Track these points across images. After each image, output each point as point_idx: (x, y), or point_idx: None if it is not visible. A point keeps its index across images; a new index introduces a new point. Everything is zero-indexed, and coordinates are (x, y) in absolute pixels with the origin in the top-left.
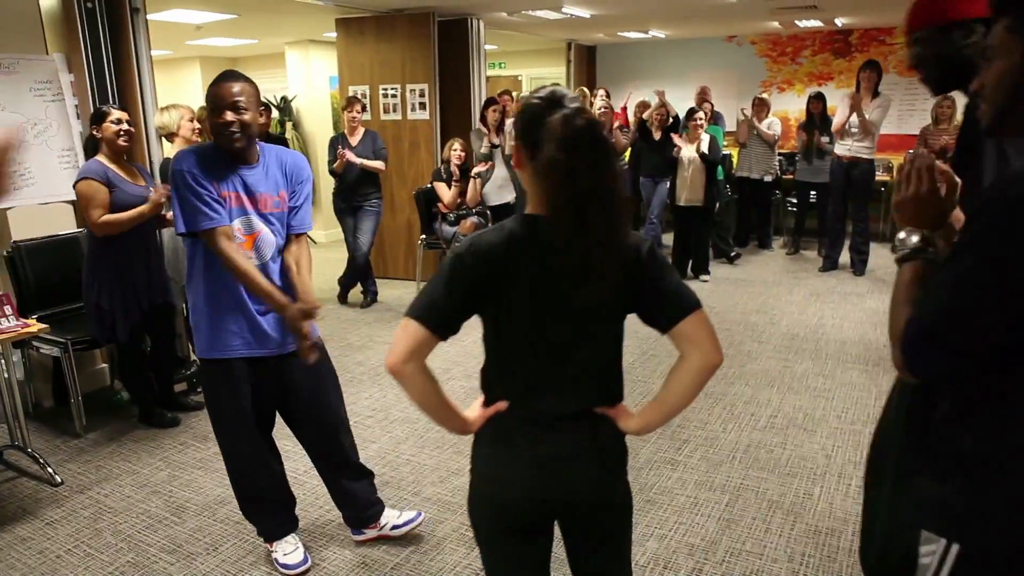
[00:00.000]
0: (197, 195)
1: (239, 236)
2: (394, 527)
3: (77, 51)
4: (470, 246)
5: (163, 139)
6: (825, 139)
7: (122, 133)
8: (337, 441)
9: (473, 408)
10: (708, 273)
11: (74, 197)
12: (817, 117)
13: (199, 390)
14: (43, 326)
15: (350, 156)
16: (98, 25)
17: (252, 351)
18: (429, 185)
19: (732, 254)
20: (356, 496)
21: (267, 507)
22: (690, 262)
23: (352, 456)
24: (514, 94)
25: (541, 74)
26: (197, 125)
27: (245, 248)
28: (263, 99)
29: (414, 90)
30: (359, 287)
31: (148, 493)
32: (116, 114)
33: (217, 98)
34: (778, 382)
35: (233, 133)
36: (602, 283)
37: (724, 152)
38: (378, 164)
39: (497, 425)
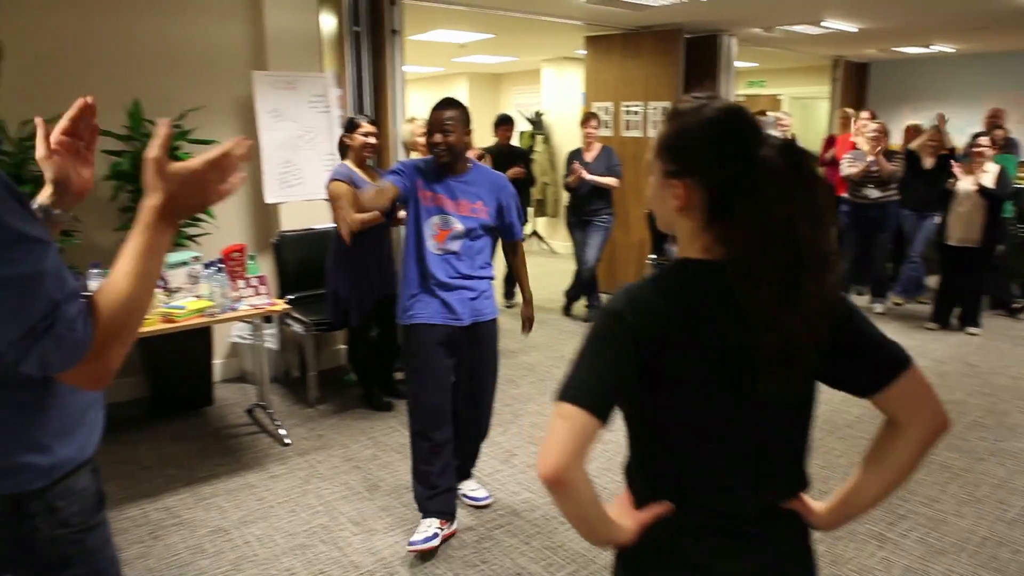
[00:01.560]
0: (389, 173)
1: (435, 229)
2: (466, 496)
3: (344, 69)
4: (629, 302)
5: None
6: None
7: (368, 145)
8: (483, 406)
9: (623, 512)
10: (978, 325)
11: None
12: None
13: None
14: (287, 306)
15: (582, 172)
16: (362, 46)
17: (443, 320)
18: None
19: (1015, 305)
20: (464, 454)
21: (432, 478)
22: (956, 311)
23: (485, 423)
24: (771, 114)
25: (803, 93)
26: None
27: (437, 239)
28: (507, 113)
29: (656, 108)
30: (584, 300)
31: (352, 467)
32: (365, 127)
33: (431, 122)
34: None
35: (441, 151)
36: (804, 367)
37: (1017, 186)
38: (610, 180)
39: (656, 535)
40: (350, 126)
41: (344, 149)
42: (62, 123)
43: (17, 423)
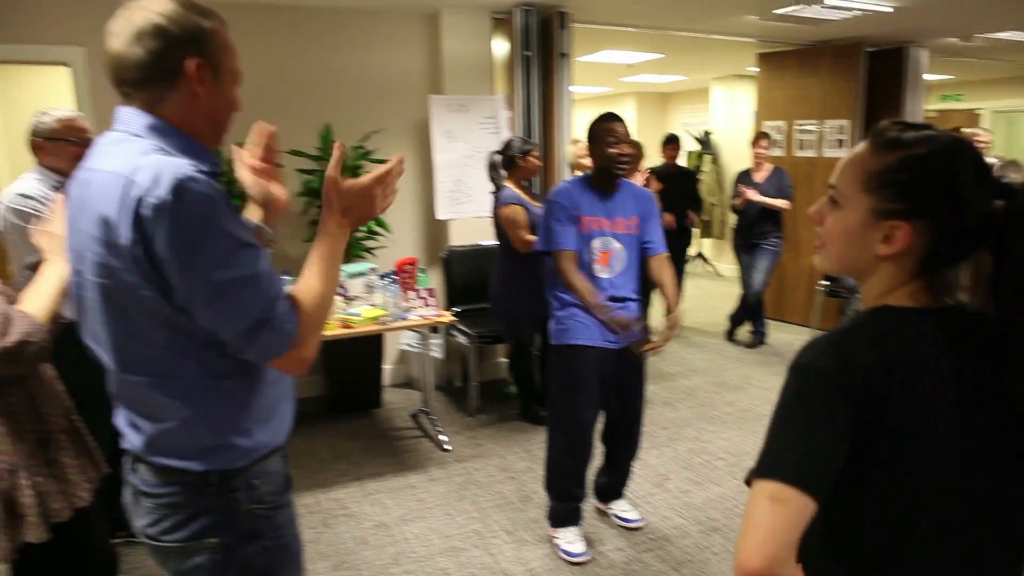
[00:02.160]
0: (558, 222)
1: (596, 253)
2: (617, 516)
3: (514, 92)
4: (836, 355)
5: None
6: None
7: (536, 169)
8: (635, 428)
9: None
10: None
11: None
12: None
13: None
14: (452, 318)
15: (750, 194)
16: (532, 70)
17: (603, 343)
18: None
19: None
20: (616, 474)
21: (574, 489)
22: None
23: (636, 443)
24: (966, 131)
25: (1008, 106)
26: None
27: (600, 263)
28: (674, 133)
29: (833, 126)
30: (748, 325)
31: (506, 477)
32: (535, 152)
33: (615, 134)
34: None
35: (626, 162)
36: None
37: None
38: (781, 203)
39: None
40: (523, 150)
41: (510, 167)
42: (253, 148)
43: (228, 409)
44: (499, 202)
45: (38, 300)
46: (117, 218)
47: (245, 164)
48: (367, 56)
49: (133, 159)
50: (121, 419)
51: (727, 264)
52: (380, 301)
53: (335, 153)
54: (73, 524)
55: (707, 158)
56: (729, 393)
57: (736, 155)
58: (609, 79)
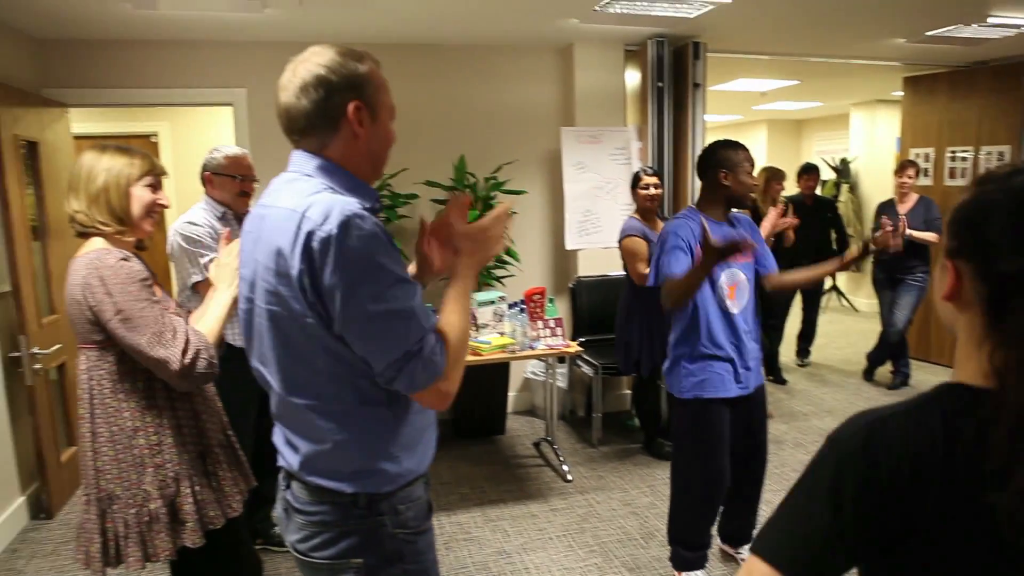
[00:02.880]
0: (671, 254)
1: (725, 288)
2: (744, 559)
3: (646, 122)
4: (866, 437)
5: None
6: None
7: (649, 198)
8: (761, 470)
9: None
10: None
11: None
12: None
13: None
14: (579, 349)
15: (898, 235)
16: (665, 100)
17: (736, 392)
18: None
19: None
20: (744, 516)
21: (703, 538)
22: None
23: (761, 484)
24: None
25: None
26: None
27: (729, 297)
28: (812, 162)
29: (991, 153)
30: (889, 365)
31: (629, 512)
32: (645, 180)
33: (751, 163)
34: None
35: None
36: None
37: None
38: (929, 236)
39: None
40: (634, 180)
41: (634, 198)
42: (444, 217)
43: (378, 435)
44: (621, 233)
45: (208, 323)
46: (289, 250)
47: (424, 234)
48: (500, 89)
49: (306, 197)
50: (279, 438)
51: (864, 299)
52: (509, 330)
53: (460, 201)
54: (225, 531)
55: (844, 187)
56: None
57: (876, 184)
58: (740, 107)
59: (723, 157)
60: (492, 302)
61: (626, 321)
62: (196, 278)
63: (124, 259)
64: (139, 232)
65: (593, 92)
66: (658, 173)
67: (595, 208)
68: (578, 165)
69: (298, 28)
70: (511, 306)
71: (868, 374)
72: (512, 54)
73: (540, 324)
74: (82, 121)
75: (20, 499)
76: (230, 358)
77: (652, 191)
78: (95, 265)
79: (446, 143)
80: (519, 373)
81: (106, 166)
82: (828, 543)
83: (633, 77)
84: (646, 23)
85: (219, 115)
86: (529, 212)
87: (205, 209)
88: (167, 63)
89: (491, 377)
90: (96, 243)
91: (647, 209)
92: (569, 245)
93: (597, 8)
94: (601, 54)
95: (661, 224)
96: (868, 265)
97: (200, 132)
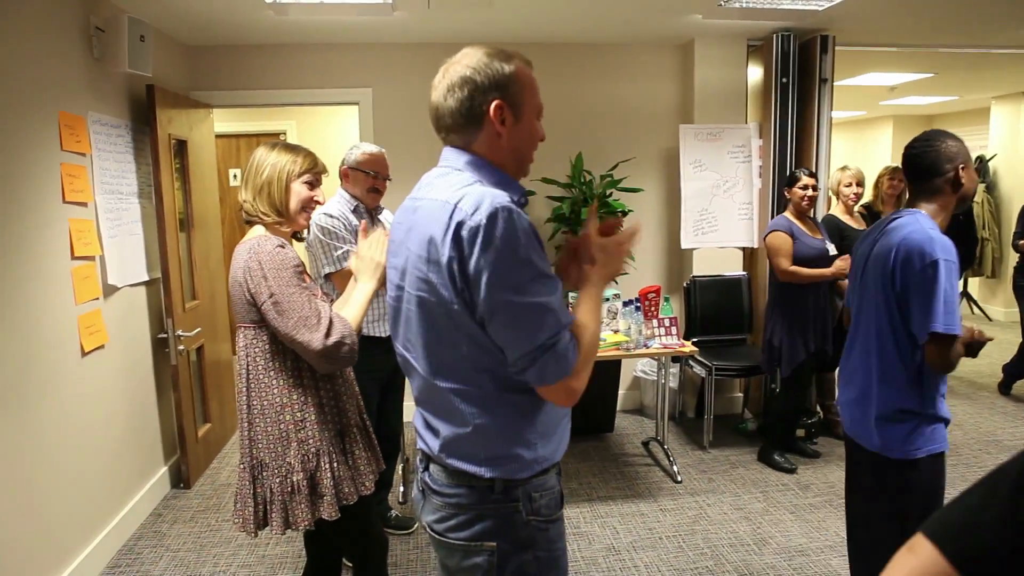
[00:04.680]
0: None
1: None
2: None
3: (768, 119)
4: None
5: (831, 197)
6: None
7: (806, 198)
8: None
9: None
10: None
11: (746, 244)
12: None
13: (816, 441)
14: (694, 348)
15: None
16: (789, 96)
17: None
18: None
19: None
20: None
21: None
22: None
23: None
24: None
25: None
26: (856, 189)
27: None
28: None
29: None
30: None
31: (741, 517)
32: (805, 180)
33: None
34: None
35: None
36: None
37: None
38: None
39: None
40: (790, 180)
41: (784, 202)
42: (585, 232)
43: (514, 421)
44: (767, 229)
45: (352, 310)
46: (441, 238)
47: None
48: (619, 86)
49: (458, 189)
50: (419, 421)
51: (1000, 307)
52: (623, 327)
53: (591, 211)
54: (357, 508)
55: (981, 187)
56: (1002, 454)
57: (1018, 183)
58: (865, 102)
59: (957, 148)
60: (607, 299)
61: (771, 318)
62: (328, 269)
63: (280, 246)
64: (295, 224)
65: (713, 89)
66: (814, 174)
67: (711, 207)
68: (696, 163)
69: (423, 29)
70: (626, 304)
71: (1006, 387)
72: (631, 51)
73: (655, 323)
74: (220, 121)
75: (163, 469)
76: (364, 347)
77: (811, 192)
78: (255, 250)
79: (563, 140)
80: (629, 371)
81: (272, 161)
82: (996, 535)
83: (755, 73)
84: (772, 17)
85: (344, 113)
86: (645, 210)
87: (340, 202)
88: (299, 65)
89: (602, 374)
90: (258, 230)
91: (802, 210)
92: (685, 244)
93: (721, 3)
94: (722, 50)
95: (814, 224)
96: (1008, 270)
97: (326, 129)
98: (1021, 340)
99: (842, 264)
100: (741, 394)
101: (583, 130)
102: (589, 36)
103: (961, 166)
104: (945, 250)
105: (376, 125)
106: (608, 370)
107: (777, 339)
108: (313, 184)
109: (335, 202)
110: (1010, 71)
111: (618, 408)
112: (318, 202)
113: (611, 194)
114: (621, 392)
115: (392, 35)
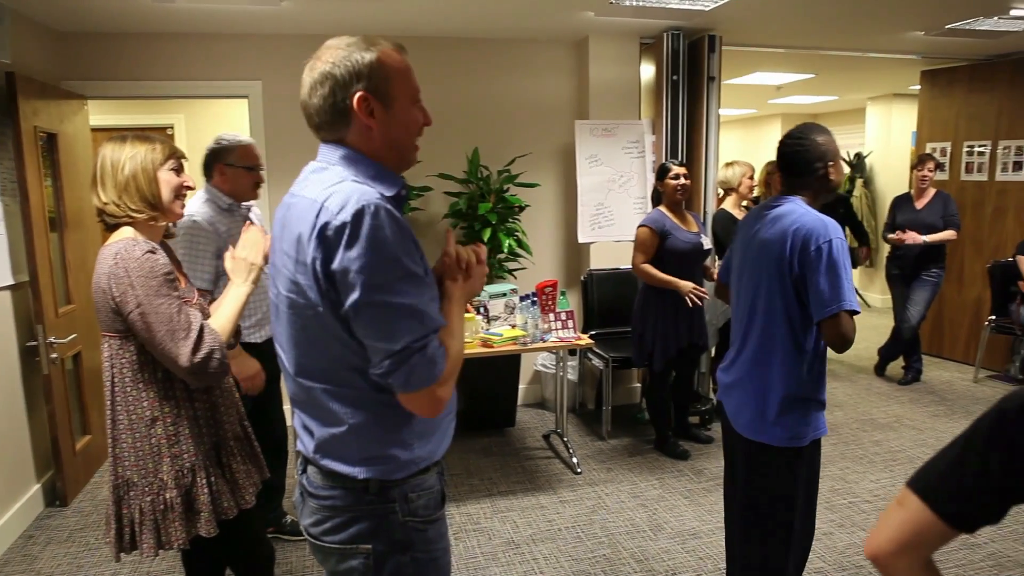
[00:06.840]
0: (848, 271)
1: None
2: None
3: (660, 116)
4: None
5: (719, 192)
6: None
7: (679, 188)
8: None
9: None
10: None
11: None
12: None
13: (710, 427)
14: (590, 341)
15: (910, 239)
16: (679, 93)
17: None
18: (1011, 259)
19: None
20: None
21: None
22: None
23: None
24: None
25: None
26: (753, 183)
27: None
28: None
29: (1008, 147)
30: (900, 361)
31: (638, 504)
32: (676, 170)
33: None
34: None
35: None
36: None
37: None
38: (946, 235)
39: None
40: (661, 172)
41: (658, 196)
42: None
43: (392, 421)
44: (640, 222)
45: (222, 319)
46: (307, 238)
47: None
48: (514, 82)
49: (327, 188)
50: (297, 423)
51: (876, 294)
52: (520, 322)
53: (450, 237)
54: (237, 521)
55: (858, 181)
56: (877, 432)
57: (891, 178)
58: (755, 101)
59: (826, 146)
60: (504, 294)
61: (641, 313)
62: (200, 285)
63: (151, 251)
64: (171, 216)
65: (608, 85)
66: (685, 164)
67: (608, 201)
68: (592, 158)
69: (313, 20)
70: (523, 298)
71: (880, 369)
72: (526, 47)
73: (551, 317)
74: (99, 114)
75: (36, 486)
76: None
77: (682, 181)
78: (122, 256)
79: (460, 135)
80: (529, 365)
81: (130, 154)
82: (983, 490)
83: (648, 70)
84: (662, 16)
85: (234, 107)
86: (542, 205)
87: (207, 204)
88: (184, 56)
89: (502, 369)
90: (125, 232)
91: (675, 201)
92: (581, 238)
93: (613, 1)
94: (616, 47)
95: (690, 218)
96: (882, 260)
97: (215, 124)
98: (893, 325)
99: (697, 292)
100: (639, 384)
101: (480, 125)
102: (484, 31)
103: (830, 163)
104: (837, 230)
105: (266, 119)
106: (508, 365)
107: (649, 334)
108: (178, 170)
109: (201, 206)
110: (883, 74)
111: (519, 402)
112: (189, 187)
113: (508, 189)
114: (522, 386)
115: (282, 26)
